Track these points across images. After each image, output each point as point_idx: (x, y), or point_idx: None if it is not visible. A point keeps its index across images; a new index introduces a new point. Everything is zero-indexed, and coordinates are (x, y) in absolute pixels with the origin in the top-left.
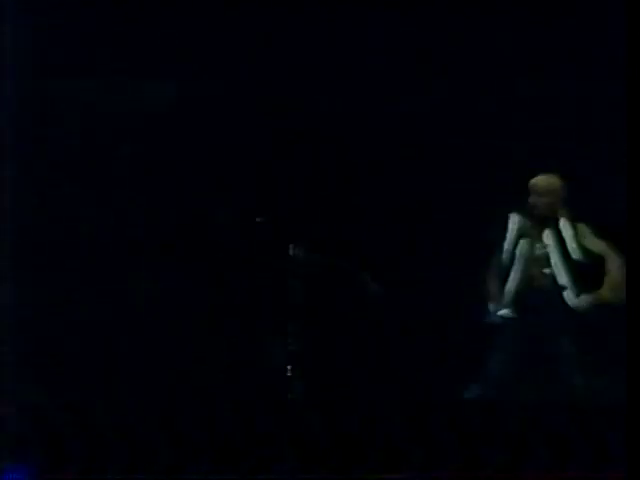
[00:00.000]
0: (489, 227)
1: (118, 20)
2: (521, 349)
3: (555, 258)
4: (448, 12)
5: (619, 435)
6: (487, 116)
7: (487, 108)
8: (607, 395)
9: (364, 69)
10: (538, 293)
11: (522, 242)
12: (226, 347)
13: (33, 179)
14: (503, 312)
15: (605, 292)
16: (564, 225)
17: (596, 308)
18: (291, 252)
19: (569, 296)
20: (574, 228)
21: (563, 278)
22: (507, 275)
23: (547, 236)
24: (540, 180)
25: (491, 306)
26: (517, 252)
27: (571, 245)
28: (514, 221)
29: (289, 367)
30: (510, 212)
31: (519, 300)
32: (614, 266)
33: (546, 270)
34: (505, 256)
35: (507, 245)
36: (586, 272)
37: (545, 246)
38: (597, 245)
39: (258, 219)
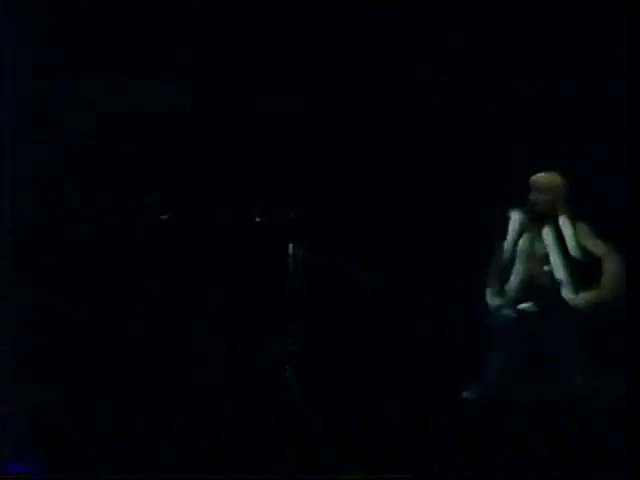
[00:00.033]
0: (489, 226)
1: (118, 20)
2: (521, 349)
3: (555, 256)
4: (448, 12)
5: (619, 435)
6: (487, 116)
7: (487, 108)
8: (607, 395)
9: (364, 69)
10: (538, 291)
11: (523, 239)
12: (226, 347)
13: (33, 179)
14: (507, 311)
15: (600, 292)
16: (564, 223)
17: (596, 307)
18: (291, 252)
19: (568, 294)
20: (574, 226)
21: (562, 276)
22: (509, 272)
23: (547, 234)
24: (541, 177)
25: (493, 304)
26: (518, 249)
27: (571, 243)
28: (515, 218)
29: (289, 367)
30: (510, 210)
31: (521, 297)
32: (611, 266)
33: (546, 268)
34: (506, 253)
35: (508, 242)
36: (585, 270)
37: (545, 244)
38: (595, 245)
39: (258, 219)
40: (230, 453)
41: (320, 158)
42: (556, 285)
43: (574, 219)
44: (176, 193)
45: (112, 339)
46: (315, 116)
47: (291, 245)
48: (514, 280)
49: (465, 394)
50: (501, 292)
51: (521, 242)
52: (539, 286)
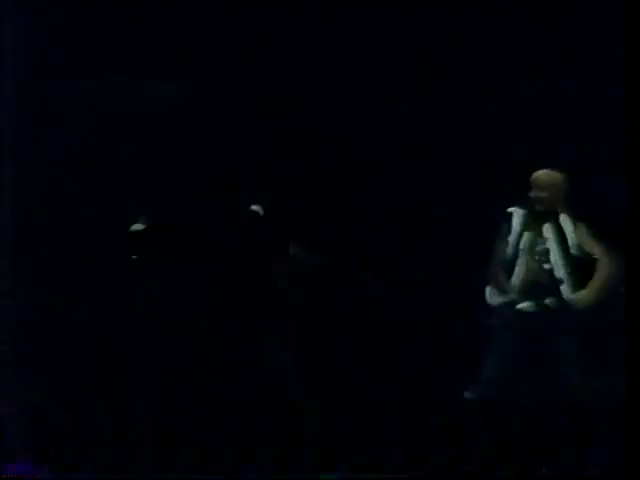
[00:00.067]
0: (489, 225)
1: (118, 20)
2: (521, 349)
3: (555, 254)
4: (448, 12)
5: (619, 435)
6: (487, 116)
7: (487, 108)
8: (607, 395)
9: (364, 69)
10: (539, 289)
11: (525, 237)
12: (226, 347)
13: (33, 179)
14: (509, 309)
15: (591, 292)
16: (565, 220)
17: (595, 307)
18: (291, 252)
19: (567, 292)
20: (574, 225)
21: (562, 274)
22: (511, 271)
23: (548, 231)
24: (542, 175)
25: (494, 303)
26: (520, 247)
27: (571, 241)
28: (518, 214)
29: (289, 367)
30: (512, 208)
31: (523, 296)
32: (605, 268)
33: (546, 265)
34: (508, 251)
35: (510, 240)
36: (584, 269)
37: (545, 241)
38: (591, 245)
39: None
40: (230, 453)
41: (320, 158)
42: (556, 283)
43: (574, 217)
44: (176, 193)
45: (112, 339)
46: (315, 116)
47: (291, 245)
48: (516, 278)
49: (465, 394)
50: (503, 291)
51: (523, 240)
52: (540, 284)
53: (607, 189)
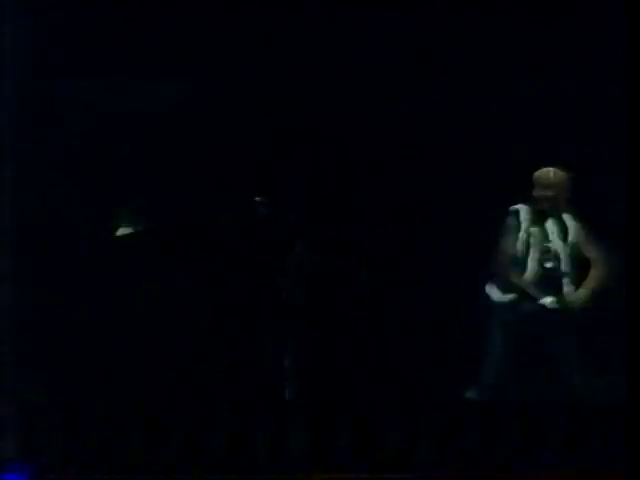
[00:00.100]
0: (490, 225)
1: (118, 20)
2: (521, 349)
3: (557, 252)
4: (448, 12)
5: (619, 435)
6: (487, 116)
7: (487, 108)
8: (607, 395)
9: (364, 69)
10: (546, 286)
11: (529, 234)
12: (226, 347)
13: (33, 179)
14: (521, 306)
15: (582, 293)
16: (567, 219)
17: (596, 307)
18: (291, 252)
19: (568, 291)
20: (574, 224)
21: (563, 272)
22: (519, 268)
23: (550, 229)
24: (546, 173)
25: (503, 300)
26: (531, 241)
27: (572, 241)
28: (523, 211)
29: (289, 367)
30: (517, 205)
31: (534, 292)
32: (597, 271)
33: (547, 264)
34: (515, 249)
35: (516, 237)
36: (581, 269)
37: (549, 239)
38: (587, 246)
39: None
40: (230, 453)
41: (320, 158)
42: (559, 282)
43: (575, 217)
44: (176, 193)
45: (112, 339)
46: (315, 116)
47: (291, 245)
48: (529, 274)
49: (465, 394)
50: (513, 287)
51: (527, 237)
52: (547, 281)
53: (607, 189)
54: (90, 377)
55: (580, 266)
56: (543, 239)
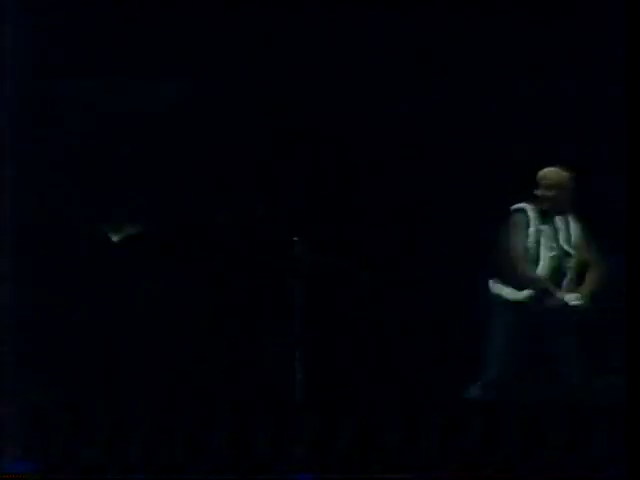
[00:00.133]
0: (490, 225)
1: (118, 20)
2: (521, 349)
3: (559, 252)
4: (448, 12)
5: (619, 435)
6: (487, 116)
7: (487, 108)
8: (607, 395)
9: (364, 69)
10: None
11: (535, 233)
12: (226, 347)
13: (33, 179)
14: (572, 298)
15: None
16: (570, 218)
17: (596, 307)
18: (291, 252)
19: (569, 289)
20: (576, 224)
21: (566, 271)
22: (531, 266)
23: (553, 229)
24: (549, 173)
25: (516, 297)
26: (542, 238)
27: (574, 241)
28: (529, 209)
29: (289, 367)
30: (521, 204)
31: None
32: (593, 272)
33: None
34: (532, 241)
35: (525, 235)
36: (580, 270)
37: (553, 239)
38: (585, 247)
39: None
40: (230, 453)
41: (320, 158)
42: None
43: (575, 217)
44: (176, 193)
45: (112, 339)
46: (315, 116)
47: (291, 245)
48: (544, 267)
49: (465, 394)
50: (530, 283)
51: (538, 234)
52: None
53: (607, 189)
54: (90, 377)
55: (577, 267)
56: (551, 237)
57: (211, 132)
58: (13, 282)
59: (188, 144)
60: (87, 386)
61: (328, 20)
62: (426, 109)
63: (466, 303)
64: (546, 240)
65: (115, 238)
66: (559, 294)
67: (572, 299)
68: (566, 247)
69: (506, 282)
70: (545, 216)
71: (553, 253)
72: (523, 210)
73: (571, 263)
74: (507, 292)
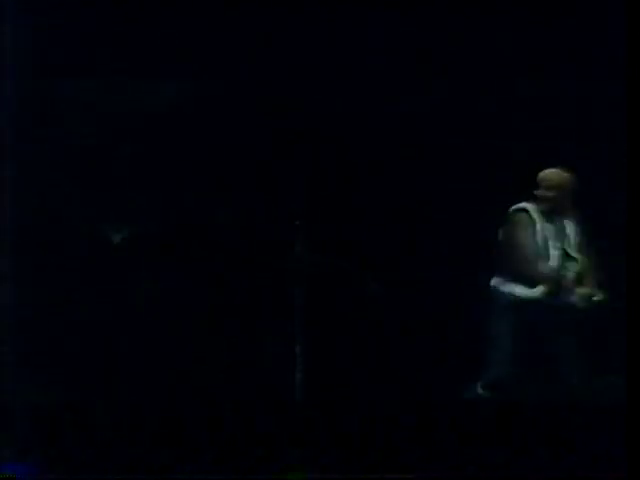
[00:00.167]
0: (490, 225)
1: (118, 20)
2: (521, 349)
3: (557, 252)
4: (448, 12)
5: (619, 435)
6: (487, 116)
7: (487, 108)
8: (607, 395)
9: (364, 69)
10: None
11: (548, 227)
12: (226, 347)
13: (33, 179)
14: (580, 290)
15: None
16: (570, 219)
17: (596, 307)
18: (290, 252)
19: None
20: (576, 225)
21: (568, 270)
22: (540, 264)
23: (554, 229)
24: (549, 173)
25: (526, 296)
26: (547, 236)
27: (574, 241)
28: (531, 209)
29: (289, 367)
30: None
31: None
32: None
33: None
34: (540, 239)
35: (538, 229)
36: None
37: (557, 239)
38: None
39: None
40: (230, 453)
41: (320, 158)
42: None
43: (577, 217)
44: (176, 193)
45: (112, 339)
46: (315, 116)
47: (290, 245)
48: (554, 261)
49: (465, 394)
50: (543, 280)
51: (544, 233)
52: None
53: (607, 189)
54: (90, 377)
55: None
56: (555, 237)
57: (211, 132)
58: (13, 282)
59: (188, 144)
60: (87, 386)
61: (328, 20)
62: (426, 109)
63: (466, 303)
64: (551, 239)
65: (115, 238)
66: (574, 290)
67: (583, 295)
68: (567, 248)
69: (516, 280)
70: (546, 216)
71: (557, 252)
72: (526, 210)
73: (571, 263)
74: (519, 290)
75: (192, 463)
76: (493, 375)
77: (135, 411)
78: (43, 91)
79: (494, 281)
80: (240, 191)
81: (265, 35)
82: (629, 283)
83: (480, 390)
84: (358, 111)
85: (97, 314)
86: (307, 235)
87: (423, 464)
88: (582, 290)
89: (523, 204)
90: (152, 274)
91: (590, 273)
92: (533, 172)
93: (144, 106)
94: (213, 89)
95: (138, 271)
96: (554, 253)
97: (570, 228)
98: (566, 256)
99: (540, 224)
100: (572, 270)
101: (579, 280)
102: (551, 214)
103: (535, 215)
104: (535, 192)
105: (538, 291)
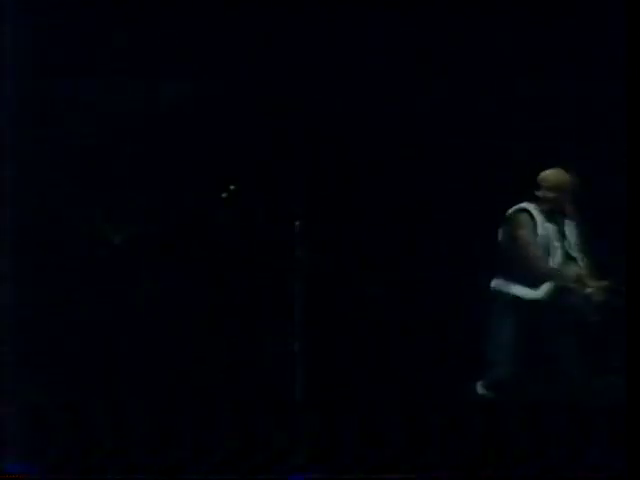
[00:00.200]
0: (490, 225)
1: (118, 20)
2: (521, 349)
3: (560, 252)
4: (448, 12)
5: (619, 435)
6: (487, 116)
7: (487, 108)
8: (607, 395)
9: (364, 69)
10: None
11: (549, 227)
12: (226, 347)
13: (33, 179)
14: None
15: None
16: (569, 221)
17: (596, 308)
18: (290, 252)
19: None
20: (576, 225)
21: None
22: (546, 263)
23: (554, 229)
24: (549, 174)
25: (548, 287)
26: (550, 236)
27: (574, 241)
28: (532, 209)
29: (289, 367)
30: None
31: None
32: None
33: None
34: (547, 237)
35: (541, 229)
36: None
37: (555, 238)
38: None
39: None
40: (230, 453)
41: (320, 158)
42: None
43: (576, 217)
44: (176, 193)
45: (112, 339)
46: (315, 116)
47: (290, 245)
48: (556, 258)
49: (465, 394)
50: (542, 280)
51: (547, 233)
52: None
53: (607, 189)
54: (90, 377)
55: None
56: (556, 237)
57: (211, 132)
58: (13, 282)
59: (188, 144)
60: (87, 386)
61: (328, 20)
62: (426, 109)
63: (466, 303)
64: (553, 239)
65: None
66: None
67: (593, 290)
68: (567, 248)
69: (521, 280)
70: (547, 216)
71: (560, 252)
72: (527, 210)
73: (572, 263)
74: (522, 291)
75: (192, 463)
76: (494, 375)
77: (135, 411)
78: (43, 91)
79: (495, 282)
80: (240, 191)
81: (265, 35)
82: (629, 283)
83: (482, 390)
84: (358, 111)
85: (97, 314)
86: (307, 235)
87: (423, 464)
88: (595, 283)
89: (524, 204)
90: (152, 274)
91: (591, 273)
92: (533, 172)
93: (144, 106)
94: (213, 89)
95: (138, 271)
96: (557, 253)
97: (570, 228)
98: (567, 256)
99: (542, 224)
100: (573, 270)
101: (580, 280)
102: (552, 214)
103: (537, 215)
104: (535, 193)
105: (542, 291)
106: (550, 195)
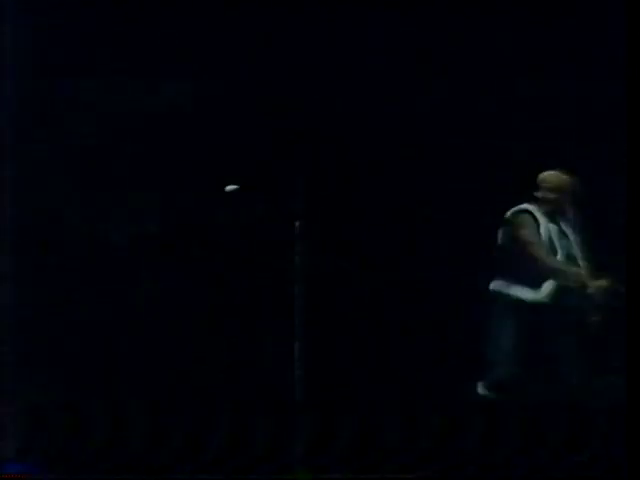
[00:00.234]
0: (490, 225)
1: (118, 20)
2: (521, 349)
3: (562, 252)
4: (448, 12)
5: (619, 435)
6: (487, 116)
7: (487, 108)
8: (607, 395)
9: (364, 69)
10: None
11: (552, 227)
12: (226, 347)
13: (33, 179)
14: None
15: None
16: (569, 221)
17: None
18: (290, 252)
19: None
20: (577, 226)
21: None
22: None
23: (555, 230)
24: (549, 176)
25: (554, 286)
26: (552, 236)
27: (573, 242)
28: (533, 209)
29: (289, 367)
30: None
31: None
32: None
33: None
34: (546, 240)
35: (543, 230)
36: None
37: (556, 238)
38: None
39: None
40: (230, 453)
41: (320, 158)
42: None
43: (578, 218)
44: (176, 193)
45: (112, 339)
46: (315, 116)
47: (290, 245)
48: (562, 257)
49: (466, 394)
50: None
51: (549, 233)
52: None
53: (607, 189)
54: (90, 377)
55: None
56: (558, 237)
57: (211, 132)
58: (13, 282)
59: (188, 144)
60: (87, 386)
61: (328, 20)
62: (426, 109)
63: (466, 303)
64: (554, 239)
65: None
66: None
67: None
68: (568, 248)
69: (524, 280)
70: (548, 217)
71: (562, 252)
72: (529, 211)
73: (572, 264)
74: (523, 292)
75: (192, 463)
76: (495, 376)
77: (135, 411)
78: (43, 91)
79: (494, 284)
80: (240, 191)
81: (265, 35)
82: (629, 282)
83: (482, 390)
84: (358, 111)
85: (97, 314)
86: (307, 235)
87: (423, 464)
88: (598, 282)
89: (524, 205)
90: (152, 274)
91: (591, 273)
92: (533, 172)
93: (144, 106)
94: (213, 89)
95: (138, 271)
96: (559, 253)
97: (570, 229)
98: (567, 257)
99: (544, 225)
100: (574, 270)
101: (580, 280)
102: (552, 215)
103: (538, 216)
104: (536, 194)
105: (543, 293)
106: (550, 196)
